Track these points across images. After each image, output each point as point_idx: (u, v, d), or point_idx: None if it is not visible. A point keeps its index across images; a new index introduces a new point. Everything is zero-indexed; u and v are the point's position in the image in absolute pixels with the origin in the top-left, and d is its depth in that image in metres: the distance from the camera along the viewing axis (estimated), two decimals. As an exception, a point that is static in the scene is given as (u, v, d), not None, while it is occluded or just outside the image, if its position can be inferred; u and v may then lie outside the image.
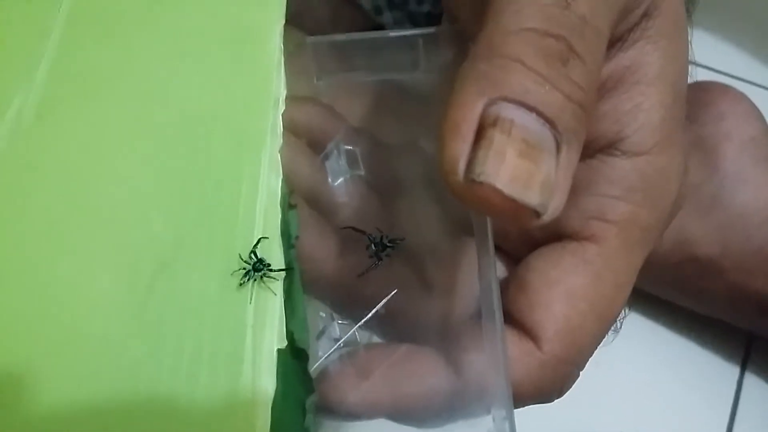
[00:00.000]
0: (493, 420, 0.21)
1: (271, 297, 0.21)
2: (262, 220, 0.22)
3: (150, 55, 0.26)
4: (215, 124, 0.24)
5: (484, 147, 0.18)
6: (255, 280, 0.21)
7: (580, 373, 0.24)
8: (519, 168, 0.18)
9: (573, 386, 0.43)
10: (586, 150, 0.23)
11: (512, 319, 0.23)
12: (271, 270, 0.21)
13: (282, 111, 0.24)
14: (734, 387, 0.45)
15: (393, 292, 0.23)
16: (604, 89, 0.23)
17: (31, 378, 0.20)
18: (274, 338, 0.21)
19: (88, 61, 0.26)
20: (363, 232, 0.24)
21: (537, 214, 0.18)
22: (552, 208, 0.19)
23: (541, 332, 0.22)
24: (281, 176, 0.23)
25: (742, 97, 0.44)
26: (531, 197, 0.18)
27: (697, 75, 0.49)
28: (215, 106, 0.24)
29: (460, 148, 0.18)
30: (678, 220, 0.41)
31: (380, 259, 0.23)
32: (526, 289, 0.23)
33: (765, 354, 0.46)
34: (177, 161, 0.24)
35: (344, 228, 0.25)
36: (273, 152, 0.23)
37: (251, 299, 0.21)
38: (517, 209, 0.18)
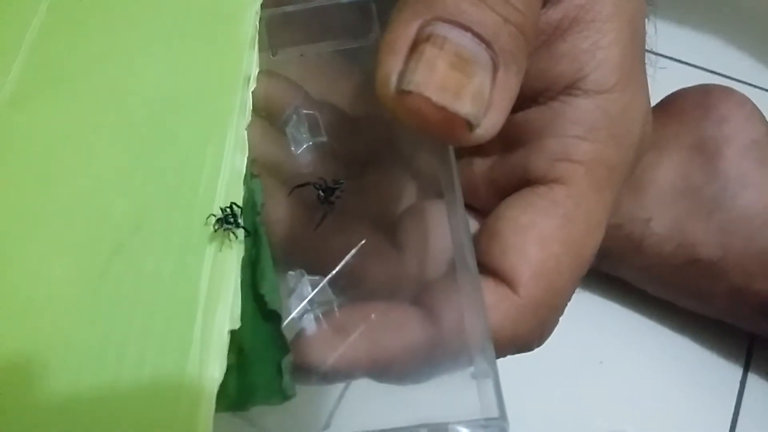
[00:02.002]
0: (475, 369, 0.21)
1: (225, 277, 0.21)
2: (223, 199, 0.22)
3: (127, 40, 0.26)
4: (184, 106, 0.24)
5: (415, 59, 0.18)
6: (223, 230, 0.21)
7: (559, 320, 0.23)
8: (449, 78, 0.18)
9: (576, 386, 0.43)
10: (547, 92, 0.23)
11: (486, 268, 0.22)
12: (238, 226, 0.21)
13: (252, 88, 0.24)
14: (737, 388, 0.45)
15: (362, 243, 0.23)
16: (559, 30, 0.23)
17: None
18: (226, 320, 0.20)
19: (66, 49, 0.26)
20: (306, 184, 0.23)
21: (470, 126, 0.18)
22: (487, 124, 0.19)
23: (517, 277, 0.22)
24: (246, 154, 0.23)
25: (745, 100, 0.44)
26: (461, 106, 0.18)
27: (699, 78, 0.50)
28: (186, 88, 0.24)
29: (392, 63, 0.19)
30: (680, 222, 0.42)
31: (332, 203, 0.23)
32: (498, 237, 0.23)
33: (767, 355, 0.46)
34: (143, 145, 0.23)
35: (290, 192, 0.24)
36: (239, 130, 0.23)
37: (205, 275, 0.21)
38: (448, 119, 0.18)
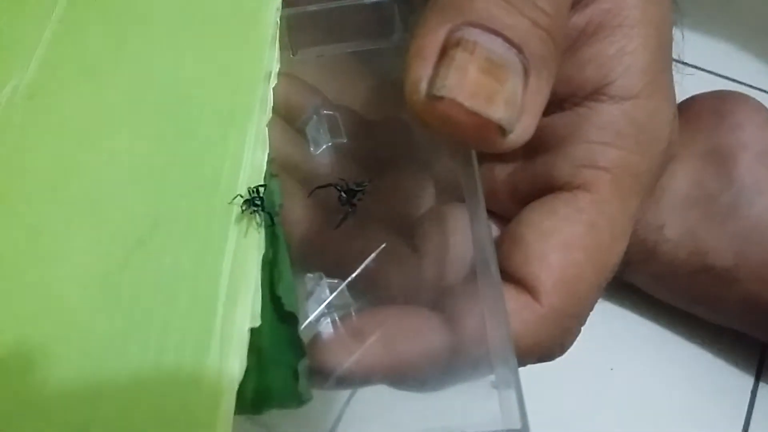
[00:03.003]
0: (496, 378, 0.20)
1: (246, 274, 0.21)
2: (244, 193, 0.22)
3: (147, 34, 0.26)
4: (204, 101, 0.24)
5: (446, 65, 0.18)
6: (250, 212, 0.21)
7: (581, 329, 0.23)
8: (481, 83, 0.18)
9: (586, 392, 0.43)
10: (573, 98, 0.23)
11: (507, 275, 0.22)
12: (263, 209, 0.21)
13: (274, 85, 0.24)
14: (748, 396, 0.45)
15: (382, 246, 0.23)
16: (585, 35, 0.23)
17: (7, 358, 0.20)
18: (246, 317, 0.20)
19: (85, 43, 0.26)
20: (328, 185, 0.23)
21: (503, 131, 0.18)
22: (520, 129, 0.18)
23: (538, 285, 0.22)
24: (267, 150, 0.23)
25: (760, 107, 0.44)
26: (494, 111, 0.18)
27: (714, 84, 0.49)
28: (206, 83, 0.24)
29: (422, 70, 0.18)
30: (693, 229, 0.42)
31: (353, 205, 0.23)
32: (520, 243, 0.22)
33: (779, 364, 0.46)
34: (163, 139, 0.23)
35: (311, 193, 0.24)
36: (260, 127, 0.23)
37: (225, 271, 0.21)
38: (480, 126, 0.18)
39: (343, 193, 0.23)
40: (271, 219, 0.21)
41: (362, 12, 0.26)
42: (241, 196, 0.21)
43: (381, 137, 0.27)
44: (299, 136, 0.26)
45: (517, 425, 0.19)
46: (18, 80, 0.25)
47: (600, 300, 0.46)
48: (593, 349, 0.45)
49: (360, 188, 0.23)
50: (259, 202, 0.21)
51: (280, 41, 0.25)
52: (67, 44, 0.26)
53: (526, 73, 0.19)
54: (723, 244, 0.41)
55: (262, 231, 0.21)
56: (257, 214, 0.21)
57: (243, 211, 0.21)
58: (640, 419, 0.44)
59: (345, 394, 0.29)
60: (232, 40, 0.25)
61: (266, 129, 0.23)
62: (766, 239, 0.41)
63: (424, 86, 0.18)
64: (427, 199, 0.26)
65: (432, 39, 0.19)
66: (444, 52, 0.18)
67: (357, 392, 0.26)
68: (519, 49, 0.18)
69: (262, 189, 0.21)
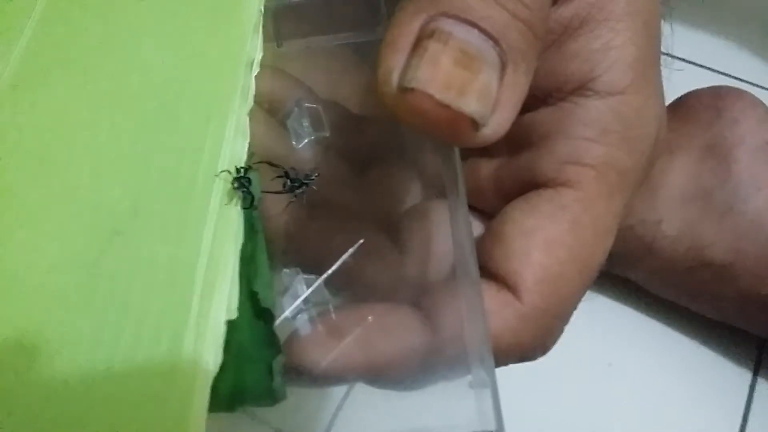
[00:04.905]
0: (473, 378, 0.20)
1: (222, 266, 0.20)
2: (222, 184, 0.21)
3: (129, 23, 0.25)
4: (185, 90, 0.23)
5: (418, 55, 0.18)
6: (236, 189, 0.21)
7: (564, 328, 0.23)
8: (453, 75, 0.17)
9: (584, 388, 0.43)
10: (558, 93, 0.23)
11: (489, 272, 0.22)
12: (246, 191, 0.21)
13: (256, 73, 0.23)
14: (746, 392, 0.45)
15: (360, 242, 0.22)
16: (570, 29, 0.22)
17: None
18: (222, 309, 0.20)
19: (68, 33, 0.25)
20: (277, 166, 0.23)
21: (476, 125, 0.18)
22: (494, 123, 0.18)
23: (520, 282, 0.21)
24: (248, 139, 0.22)
25: (757, 102, 0.43)
26: (466, 104, 0.17)
27: (711, 80, 0.49)
28: (188, 72, 0.24)
29: (394, 61, 0.18)
30: (691, 224, 0.41)
31: (296, 195, 0.22)
32: (502, 240, 0.22)
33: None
34: (143, 129, 0.23)
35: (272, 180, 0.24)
36: (241, 115, 0.23)
37: (202, 262, 0.20)
38: (452, 118, 0.17)
39: (288, 181, 0.22)
40: (252, 201, 0.21)
41: (348, 4, 0.25)
42: (230, 173, 0.21)
43: (365, 131, 0.27)
44: (281, 128, 0.25)
45: (492, 427, 0.19)
46: (1, 70, 0.25)
47: (598, 295, 0.46)
48: (591, 344, 0.45)
49: (307, 180, 0.22)
50: (246, 182, 0.21)
51: (265, 32, 0.25)
52: (49, 35, 0.26)
53: (502, 66, 0.18)
54: (721, 240, 0.41)
55: (241, 222, 0.21)
56: (240, 194, 0.21)
57: (234, 187, 0.21)
58: (638, 415, 0.44)
59: (340, 391, 0.29)
60: (214, 27, 0.25)
61: (247, 118, 0.23)
62: (763, 234, 0.40)
63: (395, 78, 0.18)
64: (412, 195, 0.26)
65: (406, 29, 0.18)
66: (418, 43, 0.18)
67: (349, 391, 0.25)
68: (496, 42, 0.18)
69: (248, 170, 0.21)
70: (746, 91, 0.44)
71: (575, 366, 0.43)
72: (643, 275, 0.45)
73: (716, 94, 0.44)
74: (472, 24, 0.18)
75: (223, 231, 0.21)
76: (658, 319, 0.47)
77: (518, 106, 0.19)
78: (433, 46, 0.18)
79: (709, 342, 0.46)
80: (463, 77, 0.18)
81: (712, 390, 0.45)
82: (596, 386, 0.45)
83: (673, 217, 0.42)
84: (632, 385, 0.45)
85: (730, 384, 0.45)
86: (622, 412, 0.44)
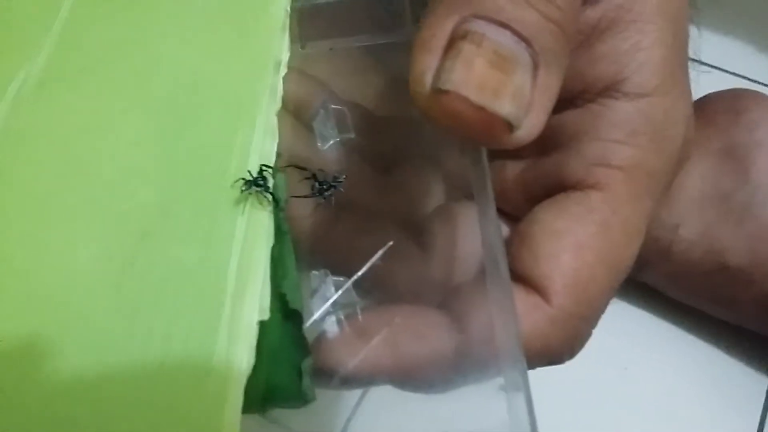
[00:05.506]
0: (504, 381, 0.20)
1: (254, 266, 0.20)
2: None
3: (156, 24, 0.26)
4: (213, 91, 0.24)
5: (452, 57, 0.18)
6: (250, 194, 0.21)
7: (592, 331, 0.22)
8: (488, 76, 0.17)
9: (601, 392, 0.43)
10: (586, 95, 0.23)
11: (517, 275, 0.22)
12: (267, 189, 0.21)
13: (284, 74, 0.23)
14: (763, 396, 0.44)
15: (389, 244, 0.22)
16: (598, 30, 0.22)
17: (13, 350, 0.20)
18: (255, 309, 0.20)
19: (94, 35, 0.26)
20: (304, 169, 0.23)
21: (510, 127, 0.17)
22: (528, 125, 0.18)
23: (549, 285, 0.21)
24: (277, 140, 0.22)
25: None
26: (501, 106, 0.17)
27: (729, 83, 0.48)
28: (215, 72, 0.24)
29: (427, 62, 0.18)
30: (708, 228, 0.41)
31: (325, 198, 0.23)
32: (531, 243, 0.22)
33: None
34: (171, 130, 0.23)
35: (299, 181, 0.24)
36: (269, 116, 0.23)
37: (233, 262, 0.20)
38: (487, 120, 0.17)
39: (316, 184, 0.22)
40: (275, 200, 0.21)
41: (372, 6, 0.25)
42: (243, 179, 0.21)
43: (390, 133, 0.27)
44: (307, 130, 0.25)
45: (526, 430, 0.18)
46: (28, 69, 0.25)
47: (615, 299, 0.46)
48: (608, 348, 0.44)
49: (335, 183, 0.22)
50: (262, 182, 0.21)
51: (289, 34, 0.25)
52: (76, 36, 0.26)
53: (535, 67, 0.18)
54: (738, 244, 0.41)
55: (271, 222, 0.21)
56: (261, 195, 0.21)
57: (242, 191, 0.21)
58: (654, 419, 0.44)
59: (354, 394, 0.29)
60: (242, 29, 0.25)
61: (276, 119, 0.23)
62: None
63: (429, 79, 0.18)
64: (436, 196, 0.26)
65: (439, 31, 0.18)
66: (451, 45, 0.18)
67: (366, 393, 0.25)
68: (528, 43, 0.18)
69: (267, 170, 0.21)
70: (765, 94, 0.44)
71: (592, 369, 0.42)
72: (659, 279, 0.45)
73: (735, 96, 0.44)
74: (505, 25, 0.18)
75: (254, 231, 0.21)
76: (675, 323, 0.46)
77: (551, 108, 0.19)
78: (467, 48, 0.18)
79: (726, 346, 0.45)
80: (497, 79, 0.18)
81: (729, 394, 0.44)
82: (612, 390, 0.44)
83: (691, 220, 0.42)
84: (649, 388, 0.44)
85: (747, 388, 0.44)
86: (638, 415, 0.44)
